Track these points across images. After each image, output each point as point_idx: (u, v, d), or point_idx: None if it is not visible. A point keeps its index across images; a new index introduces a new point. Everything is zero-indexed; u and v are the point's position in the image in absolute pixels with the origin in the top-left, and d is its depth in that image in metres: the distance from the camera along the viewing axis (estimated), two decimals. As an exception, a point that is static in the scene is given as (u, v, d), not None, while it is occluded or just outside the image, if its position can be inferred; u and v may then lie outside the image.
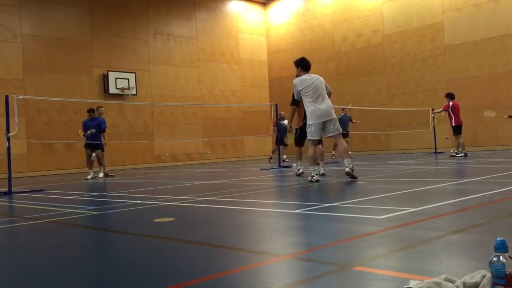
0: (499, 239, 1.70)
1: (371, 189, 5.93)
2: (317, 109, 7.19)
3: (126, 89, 17.35)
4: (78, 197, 7.27)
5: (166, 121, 18.77)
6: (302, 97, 7.39)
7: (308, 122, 7.35)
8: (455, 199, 4.56)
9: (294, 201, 5.40)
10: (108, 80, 17.04)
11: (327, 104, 7.27)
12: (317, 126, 7.23)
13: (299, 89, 7.34)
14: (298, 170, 8.75)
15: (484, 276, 1.76)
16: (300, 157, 8.98)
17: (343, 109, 15.66)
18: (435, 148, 15.91)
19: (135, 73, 17.82)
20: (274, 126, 15.09)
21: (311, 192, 6.17)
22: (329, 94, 7.50)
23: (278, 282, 2.14)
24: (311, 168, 7.28)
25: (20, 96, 10.07)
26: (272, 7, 22.54)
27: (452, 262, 2.36)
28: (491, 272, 1.70)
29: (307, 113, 7.37)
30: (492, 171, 7.67)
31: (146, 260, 2.80)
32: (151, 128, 18.36)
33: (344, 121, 14.94)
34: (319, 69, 20.12)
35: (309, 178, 7.30)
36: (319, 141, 8.04)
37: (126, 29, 17.95)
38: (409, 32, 17.81)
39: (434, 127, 15.84)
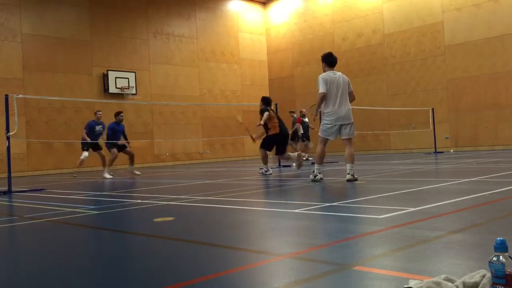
0: (498, 238, 1.70)
1: (370, 189, 5.93)
2: (337, 111, 7.01)
3: (126, 88, 17.34)
4: (78, 197, 7.26)
5: (166, 121, 18.77)
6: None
7: (325, 121, 7.10)
8: (455, 198, 4.56)
9: (293, 201, 5.40)
10: (108, 80, 17.04)
11: (347, 107, 7.11)
12: (335, 128, 7.07)
13: (324, 83, 7.03)
14: (266, 171, 9.28)
15: (483, 276, 1.76)
16: (266, 160, 9.45)
17: (300, 111, 15.81)
18: (435, 147, 15.91)
19: (135, 72, 17.82)
20: (297, 123, 15.66)
21: (310, 192, 6.17)
22: (352, 97, 7.28)
23: (278, 282, 2.14)
24: (316, 167, 7.16)
25: (20, 96, 10.04)
26: (272, 6, 22.54)
27: (451, 261, 2.36)
28: (491, 272, 1.70)
29: (326, 112, 7.08)
30: (492, 171, 7.67)
31: (146, 259, 2.80)
32: (150, 128, 18.36)
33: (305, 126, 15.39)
34: (319, 69, 20.01)
35: (312, 176, 7.20)
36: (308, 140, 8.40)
37: (126, 29, 17.95)
38: (409, 32, 17.81)
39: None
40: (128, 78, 17.55)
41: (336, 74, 7.19)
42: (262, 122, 9.35)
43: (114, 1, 17.72)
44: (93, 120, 12.26)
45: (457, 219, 3.56)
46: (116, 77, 17.26)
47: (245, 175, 10.30)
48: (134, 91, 17.66)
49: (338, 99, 7.04)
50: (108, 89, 17.02)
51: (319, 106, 7.17)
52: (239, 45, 21.58)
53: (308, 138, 15.44)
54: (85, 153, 12.02)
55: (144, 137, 17.67)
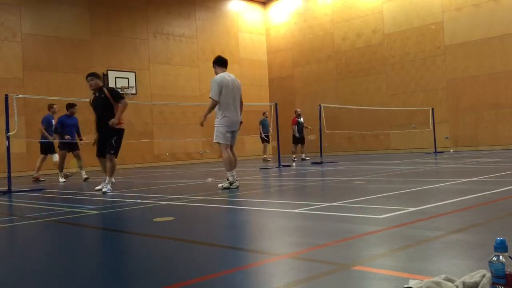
0: (498, 238, 1.70)
1: (370, 189, 5.93)
2: (231, 116, 6.83)
3: (126, 88, 17.34)
4: (78, 196, 7.26)
5: (166, 121, 18.77)
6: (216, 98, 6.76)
7: (221, 127, 6.80)
8: (455, 198, 4.56)
9: (293, 201, 5.40)
10: (107, 79, 17.03)
11: (238, 113, 7.00)
12: (229, 134, 6.85)
13: (218, 88, 6.69)
14: (111, 184, 7.38)
15: (483, 276, 1.76)
16: (113, 171, 7.45)
17: (263, 113, 16.26)
18: (435, 147, 15.91)
19: (134, 72, 17.82)
20: (293, 124, 15.80)
21: (310, 192, 6.17)
22: (241, 104, 7.11)
23: (278, 282, 2.14)
24: (230, 174, 6.70)
25: (20, 95, 10.04)
26: (272, 6, 22.54)
27: (451, 261, 2.36)
28: (491, 272, 1.70)
29: (220, 116, 6.79)
30: (492, 171, 7.67)
31: (146, 259, 2.80)
32: (150, 128, 18.35)
33: (265, 125, 15.74)
34: (319, 69, 20.15)
35: (227, 184, 6.65)
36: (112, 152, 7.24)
37: (126, 28, 17.95)
38: (409, 31, 17.81)
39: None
40: (128, 78, 17.56)
41: (230, 77, 6.99)
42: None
43: (114, 1, 17.72)
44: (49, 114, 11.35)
45: (457, 219, 3.56)
46: (116, 77, 17.26)
47: (244, 175, 10.29)
48: (134, 91, 17.66)
49: (232, 104, 6.85)
50: (108, 89, 17.01)
51: (209, 112, 6.85)
52: (239, 45, 21.57)
53: (303, 139, 15.74)
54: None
55: (143, 137, 17.66)
